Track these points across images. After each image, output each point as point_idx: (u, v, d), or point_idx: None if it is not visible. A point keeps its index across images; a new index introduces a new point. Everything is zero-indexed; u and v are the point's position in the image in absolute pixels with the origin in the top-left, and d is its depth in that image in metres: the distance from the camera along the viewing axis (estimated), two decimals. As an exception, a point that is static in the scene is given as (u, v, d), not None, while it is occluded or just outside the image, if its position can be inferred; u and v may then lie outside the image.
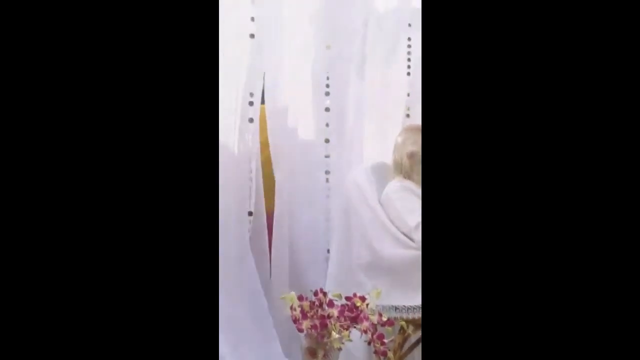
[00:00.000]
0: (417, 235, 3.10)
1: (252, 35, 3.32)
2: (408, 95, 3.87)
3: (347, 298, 2.79)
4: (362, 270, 3.22)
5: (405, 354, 3.23)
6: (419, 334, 3.24)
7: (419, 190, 3.23)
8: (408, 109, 3.80)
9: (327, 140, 3.62)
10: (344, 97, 3.64)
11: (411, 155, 3.29)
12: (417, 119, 3.71)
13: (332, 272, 3.35)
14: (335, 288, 3.15)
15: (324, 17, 3.55)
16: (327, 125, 3.61)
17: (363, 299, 2.81)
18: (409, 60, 3.89)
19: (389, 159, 3.40)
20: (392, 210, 3.21)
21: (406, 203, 3.19)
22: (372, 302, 2.82)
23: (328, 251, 3.56)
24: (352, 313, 2.77)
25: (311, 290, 2.78)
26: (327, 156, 3.63)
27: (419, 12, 3.81)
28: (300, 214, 3.56)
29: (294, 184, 3.54)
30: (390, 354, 2.83)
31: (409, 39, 3.86)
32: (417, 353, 3.37)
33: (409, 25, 3.83)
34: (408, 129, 3.44)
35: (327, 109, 3.61)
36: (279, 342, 3.33)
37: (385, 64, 3.82)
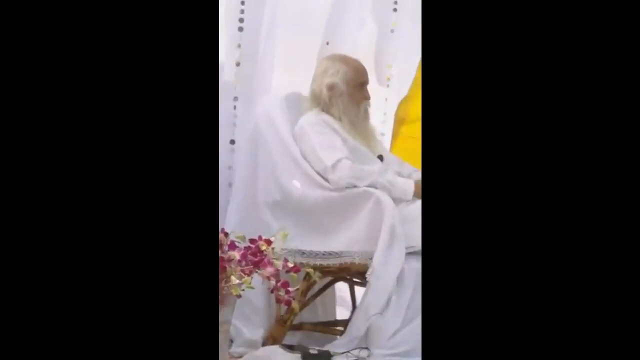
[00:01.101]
0: (334, 175, 2.82)
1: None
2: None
3: (252, 240, 2.49)
4: (269, 209, 2.94)
5: (308, 302, 2.98)
6: (325, 281, 3.00)
7: (337, 127, 2.94)
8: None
9: (237, 64, 3.25)
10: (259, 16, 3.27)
11: (331, 87, 2.99)
12: (337, 49, 3.40)
13: (233, 208, 3.05)
14: (236, 226, 2.89)
15: None
16: (238, 46, 3.24)
17: (269, 242, 2.52)
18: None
19: (302, 90, 3.09)
20: (307, 145, 2.92)
21: (323, 138, 2.90)
22: (278, 245, 2.54)
23: (230, 185, 3.24)
24: (256, 257, 2.49)
25: (210, 229, 2.45)
26: (236, 80, 3.26)
27: None
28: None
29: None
30: (294, 304, 2.56)
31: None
32: (320, 301, 3.14)
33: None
34: (330, 57, 3.12)
35: (240, 29, 3.23)
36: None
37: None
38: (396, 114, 3.82)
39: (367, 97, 3.04)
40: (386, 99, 3.73)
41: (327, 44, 3.48)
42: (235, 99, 3.24)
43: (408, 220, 2.72)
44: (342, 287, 3.34)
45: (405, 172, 3.05)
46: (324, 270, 2.85)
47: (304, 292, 2.92)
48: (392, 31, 3.77)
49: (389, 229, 2.69)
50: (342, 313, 3.30)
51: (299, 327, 2.99)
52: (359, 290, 3.09)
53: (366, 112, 3.06)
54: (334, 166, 2.84)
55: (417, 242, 2.57)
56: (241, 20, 3.22)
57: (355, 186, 2.83)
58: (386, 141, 3.73)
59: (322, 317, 3.19)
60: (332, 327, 3.10)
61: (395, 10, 3.75)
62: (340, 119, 2.98)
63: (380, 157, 3.01)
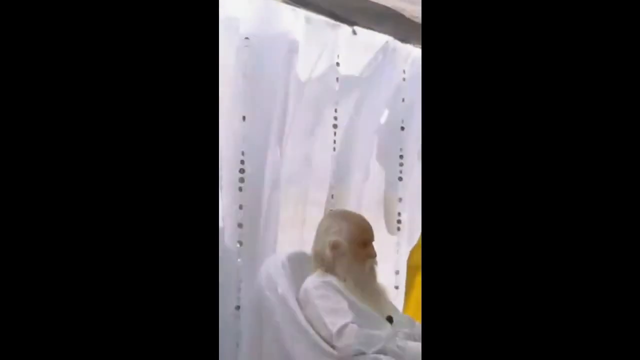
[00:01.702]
0: (340, 342, 2.66)
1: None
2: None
3: (255, 419, 2.33)
4: (275, 379, 2.78)
5: None
6: None
7: (342, 288, 2.80)
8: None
9: (240, 225, 3.15)
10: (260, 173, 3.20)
11: (334, 246, 2.86)
12: (342, 204, 3.30)
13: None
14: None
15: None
16: (240, 207, 3.15)
17: (274, 420, 2.35)
18: (335, 134, 3.49)
19: (308, 248, 2.97)
20: (311, 310, 2.77)
21: (327, 303, 2.76)
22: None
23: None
24: None
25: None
26: (239, 242, 3.15)
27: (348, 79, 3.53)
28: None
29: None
30: None
31: (336, 110, 3.47)
32: None
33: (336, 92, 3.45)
34: (332, 215, 3.02)
35: (240, 189, 3.15)
36: None
37: (308, 137, 3.42)
38: (409, 263, 3.70)
39: (373, 255, 2.91)
40: (397, 251, 3.61)
41: (332, 197, 3.40)
42: (239, 262, 3.13)
43: (422, 389, 2.53)
44: None
45: (417, 333, 2.88)
46: None
47: None
48: (400, 178, 3.71)
49: (401, 400, 2.51)
50: None
51: None
52: None
53: (372, 270, 2.91)
54: (339, 332, 2.67)
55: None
56: (241, 180, 3.15)
57: (363, 353, 2.66)
58: (401, 294, 3.60)
59: None
60: None
61: (401, 157, 3.69)
62: (345, 280, 2.84)
63: (390, 319, 2.83)
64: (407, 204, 3.71)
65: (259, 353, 2.86)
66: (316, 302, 2.76)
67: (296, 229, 3.31)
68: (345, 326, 2.68)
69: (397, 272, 3.61)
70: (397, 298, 3.53)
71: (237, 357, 2.99)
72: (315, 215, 3.22)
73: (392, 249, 3.62)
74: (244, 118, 3.13)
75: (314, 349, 2.72)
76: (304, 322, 2.76)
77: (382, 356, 2.63)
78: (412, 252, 3.70)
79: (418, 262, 3.72)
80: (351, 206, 3.39)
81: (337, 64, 3.49)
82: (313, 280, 2.83)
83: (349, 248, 2.86)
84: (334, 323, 2.69)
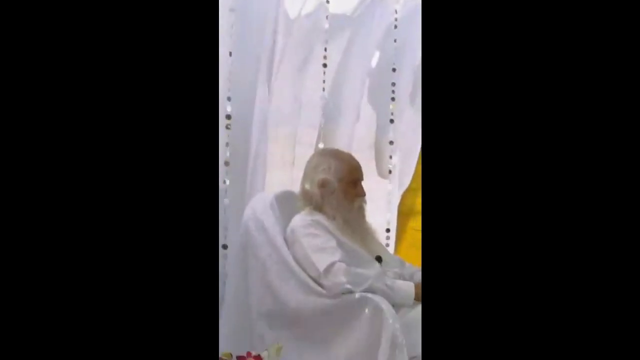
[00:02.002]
0: (328, 280, 2.60)
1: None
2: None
3: (240, 358, 2.27)
4: (262, 320, 2.71)
5: None
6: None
7: (331, 226, 2.73)
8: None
9: (226, 163, 3.08)
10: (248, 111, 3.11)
11: (323, 184, 2.79)
12: (331, 145, 3.23)
13: (224, 320, 2.82)
14: (228, 341, 2.66)
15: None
16: (226, 144, 3.07)
17: (259, 358, 2.29)
18: (324, 74, 3.41)
19: (297, 189, 2.89)
20: (299, 249, 2.70)
21: (315, 241, 2.68)
22: (272, 360, 2.32)
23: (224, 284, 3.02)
24: (245, 376, 2.27)
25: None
26: (224, 181, 3.08)
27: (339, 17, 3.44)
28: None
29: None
30: None
31: (325, 49, 3.39)
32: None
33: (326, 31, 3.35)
34: (321, 152, 2.94)
35: (227, 127, 3.07)
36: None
37: (297, 76, 3.33)
38: (400, 207, 3.64)
39: (362, 194, 2.83)
40: (389, 194, 3.55)
41: (322, 138, 3.33)
42: (225, 201, 3.06)
43: (410, 328, 2.46)
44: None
45: (407, 273, 2.82)
46: (324, 387, 2.61)
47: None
48: (391, 121, 3.63)
49: (389, 339, 2.44)
50: None
51: None
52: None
53: (361, 209, 2.83)
54: (327, 270, 2.60)
55: (420, 351, 2.32)
56: (228, 117, 3.06)
57: (351, 291, 2.60)
58: (392, 237, 3.54)
59: None
60: None
61: (393, 99, 3.61)
62: (334, 218, 2.76)
63: (379, 259, 2.76)
64: (398, 146, 3.64)
65: (246, 292, 2.79)
66: (304, 240, 2.69)
67: (285, 170, 3.24)
68: (332, 264, 2.61)
69: (388, 216, 3.55)
70: (388, 242, 3.48)
71: (223, 297, 2.93)
72: (305, 155, 3.13)
73: (383, 193, 3.56)
74: (230, 54, 3.04)
75: (302, 288, 2.65)
76: (291, 262, 2.69)
77: (370, 294, 2.56)
78: (403, 196, 3.64)
79: (409, 206, 3.67)
80: (341, 148, 3.31)
81: (327, 1, 3.41)
82: (301, 219, 2.76)
83: (338, 186, 2.79)
84: (321, 261, 2.62)
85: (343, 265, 2.61)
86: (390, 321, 2.46)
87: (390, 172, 3.61)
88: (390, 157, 3.62)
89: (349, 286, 2.59)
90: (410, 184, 3.61)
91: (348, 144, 3.46)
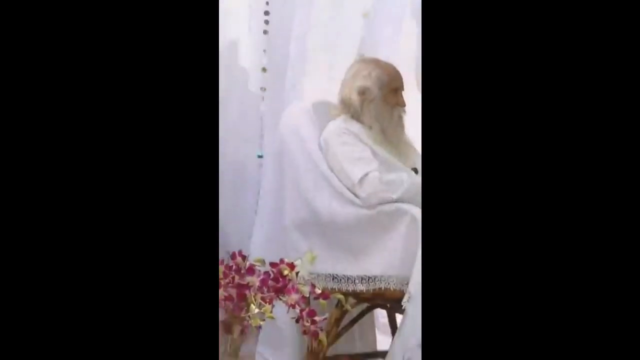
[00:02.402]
0: (362, 191, 2.54)
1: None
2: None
3: (272, 264, 2.23)
4: (296, 229, 2.67)
5: (341, 333, 2.70)
6: (360, 307, 2.72)
7: (366, 136, 2.65)
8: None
9: (264, 70, 3.00)
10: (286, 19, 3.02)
11: (362, 91, 2.70)
12: (372, 53, 3.11)
13: (259, 229, 2.79)
14: (262, 248, 2.63)
15: None
16: (264, 51, 2.99)
17: (292, 266, 2.25)
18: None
19: (335, 99, 2.81)
20: (332, 158, 2.64)
21: (350, 149, 2.62)
22: (305, 269, 2.29)
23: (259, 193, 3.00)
24: (278, 283, 2.23)
25: (228, 252, 2.23)
26: (262, 88, 3.01)
27: None
28: (226, 152, 2.94)
29: (224, 115, 2.88)
30: (322, 336, 2.28)
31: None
32: (357, 330, 2.86)
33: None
34: (362, 60, 2.85)
35: (265, 32, 2.98)
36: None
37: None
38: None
39: (402, 104, 2.74)
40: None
41: (362, 49, 3.22)
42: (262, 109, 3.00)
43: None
44: (383, 313, 3.05)
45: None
46: (356, 297, 2.58)
47: (337, 322, 2.64)
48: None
49: (425, 249, 2.39)
50: (383, 342, 2.99)
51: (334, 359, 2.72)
52: (400, 318, 2.79)
53: (400, 119, 2.74)
54: (361, 181, 2.55)
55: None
56: (266, 22, 2.98)
57: (387, 202, 2.53)
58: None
59: (360, 348, 2.91)
60: (372, 360, 2.81)
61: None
62: (370, 127, 2.68)
63: (415, 170, 2.68)
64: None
65: (281, 202, 2.76)
66: (338, 149, 2.63)
67: (323, 79, 3.14)
68: (366, 175, 2.55)
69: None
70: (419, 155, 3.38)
71: (258, 206, 2.89)
72: (344, 64, 3.03)
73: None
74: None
75: (337, 198, 2.60)
76: (326, 170, 2.64)
77: (407, 206, 2.50)
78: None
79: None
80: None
81: None
82: (336, 125, 2.69)
83: (377, 94, 2.70)
84: (356, 172, 2.56)
85: (377, 174, 2.55)
86: (427, 232, 2.40)
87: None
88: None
89: (384, 195, 2.53)
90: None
91: (388, 57, 3.34)
